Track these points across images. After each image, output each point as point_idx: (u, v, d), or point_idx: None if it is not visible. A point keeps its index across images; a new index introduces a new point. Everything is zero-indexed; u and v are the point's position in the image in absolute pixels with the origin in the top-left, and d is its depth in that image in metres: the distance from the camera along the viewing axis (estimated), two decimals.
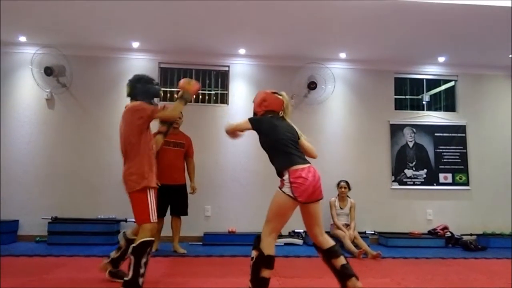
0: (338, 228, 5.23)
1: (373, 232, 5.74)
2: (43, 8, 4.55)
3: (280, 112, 2.95)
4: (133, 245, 2.85)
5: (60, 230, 5.09)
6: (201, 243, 5.37)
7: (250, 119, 2.89)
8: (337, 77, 6.00)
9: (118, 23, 4.97)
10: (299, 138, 2.92)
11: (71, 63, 5.51)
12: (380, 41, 5.41)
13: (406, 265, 4.32)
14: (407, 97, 6.41)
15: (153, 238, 2.92)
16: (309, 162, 2.80)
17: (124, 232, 3.31)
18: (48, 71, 5.39)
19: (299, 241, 5.44)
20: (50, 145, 5.58)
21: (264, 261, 2.62)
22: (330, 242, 2.75)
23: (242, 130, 2.93)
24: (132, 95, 3.19)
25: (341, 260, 2.70)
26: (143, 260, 2.81)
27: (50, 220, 5.19)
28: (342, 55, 5.94)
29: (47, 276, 3.43)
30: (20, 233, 5.34)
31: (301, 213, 2.81)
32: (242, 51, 5.84)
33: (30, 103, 5.63)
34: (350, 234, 5.07)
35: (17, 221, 5.36)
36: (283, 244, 5.38)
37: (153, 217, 2.93)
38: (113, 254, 3.29)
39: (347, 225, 5.29)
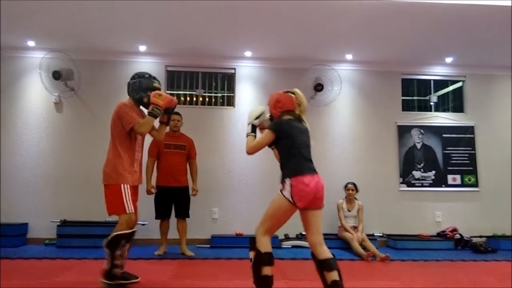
0: (346, 230, 5.22)
1: (381, 235, 5.71)
2: (51, 12, 4.60)
3: (295, 111, 2.91)
4: (108, 238, 2.94)
5: (69, 233, 5.12)
6: (208, 245, 5.37)
7: (270, 129, 2.81)
8: (344, 79, 5.98)
9: (125, 27, 5.00)
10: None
11: (78, 67, 5.56)
12: (386, 42, 5.39)
13: (415, 268, 4.28)
14: (414, 98, 6.37)
15: (128, 231, 3.01)
16: (316, 171, 2.77)
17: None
18: (56, 75, 5.44)
19: (307, 244, 5.40)
20: (59, 149, 5.63)
21: (263, 259, 2.62)
22: (327, 254, 2.67)
23: (266, 145, 2.85)
24: (128, 92, 3.31)
25: (334, 275, 2.60)
26: (118, 253, 2.93)
27: (59, 223, 5.23)
28: (349, 57, 5.92)
29: (56, 279, 3.45)
30: (29, 236, 5.38)
31: (301, 219, 2.80)
32: (248, 53, 5.85)
33: (38, 107, 5.68)
34: (358, 237, 5.05)
35: (27, 224, 5.40)
36: (290, 246, 5.37)
37: (129, 208, 3.03)
38: None
39: (355, 227, 5.26)
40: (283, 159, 2.81)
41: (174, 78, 6.08)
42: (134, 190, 3.26)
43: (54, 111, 5.70)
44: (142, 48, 5.68)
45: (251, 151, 2.84)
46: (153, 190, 4.63)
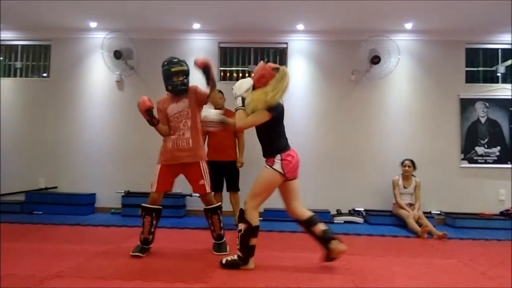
0: (401, 207, 5.09)
1: (439, 212, 5.51)
2: None
3: None
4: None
5: (132, 203, 5.45)
6: (261, 218, 5.48)
7: (269, 111, 2.91)
8: (402, 50, 5.70)
9: (180, 5, 5.08)
10: None
11: (137, 46, 5.79)
12: (450, 9, 5.01)
13: (475, 247, 4.13)
14: (479, 69, 5.95)
15: (147, 205, 3.40)
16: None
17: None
18: (117, 54, 5.71)
19: (359, 220, 5.38)
20: (122, 125, 5.96)
21: (253, 232, 2.98)
22: (309, 213, 3.11)
23: (259, 124, 2.96)
24: None
25: (321, 226, 3.05)
26: (141, 221, 3.40)
27: (123, 194, 5.62)
28: (408, 26, 5.60)
29: (123, 245, 3.74)
30: (97, 206, 5.83)
31: (281, 191, 3.12)
32: (300, 26, 5.74)
33: (102, 86, 6.03)
34: (414, 214, 4.90)
35: (94, 194, 5.85)
36: (343, 222, 5.36)
37: (153, 187, 3.44)
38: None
39: (411, 205, 5.12)
40: (270, 137, 3.02)
41: (227, 55, 6.14)
42: (179, 167, 3.51)
43: (116, 89, 6.02)
44: (196, 25, 5.77)
45: (245, 126, 3.02)
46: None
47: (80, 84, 6.04)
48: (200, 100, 3.54)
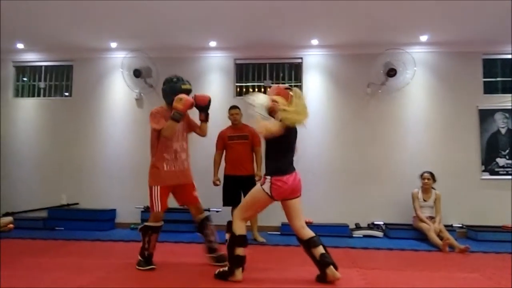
0: (422, 220, 5.01)
1: (460, 226, 5.40)
2: (131, 15, 4.96)
3: None
4: (140, 225, 3.53)
5: None
6: (279, 233, 5.48)
7: (284, 127, 2.97)
8: (418, 62, 5.70)
9: (197, 24, 5.22)
10: None
11: (156, 65, 5.94)
12: (465, 20, 4.99)
13: (498, 260, 4.02)
14: (497, 79, 5.88)
15: (154, 224, 3.45)
16: (294, 169, 3.08)
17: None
18: (137, 73, 5.87)
19: (379, 234, 5.32)
20: (141, 141, 6.00)
21: (237, 241, 3.01)
22: (311, 234, 3.06)
23: (272, 134, 2.96)
24: (163, 97, 3.58)
25: (320, 250, 2.99)
26: (146, 239, 3.42)
27: (142, 209, 5.68)
28: (423, 38, 5.61)
29: None
30: (117, 221, 5.94)
31: (283, 207, 3.14)
32: (315, 41, 5.80)
33: (122, 104, 6.19)
34: (435, 228, 4.82)
35: (115, 210, 5.96)
36: (362, 236, 5.30)
37: (156, 208, 3.45)
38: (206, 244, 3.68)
39: (431, 218, 5.04)
40: (268, 156, 3.08)
41: (243, 71, 6.23)
42: (174, 188, 3.58)
43: (135, 107, 6.16)
44: (213, 43, 5.90)
45: (269, 134, 2.95)
46: (218, 182, 4.86)
47: (101, 103, 6.22)
48: (190, 128, 3.68)
